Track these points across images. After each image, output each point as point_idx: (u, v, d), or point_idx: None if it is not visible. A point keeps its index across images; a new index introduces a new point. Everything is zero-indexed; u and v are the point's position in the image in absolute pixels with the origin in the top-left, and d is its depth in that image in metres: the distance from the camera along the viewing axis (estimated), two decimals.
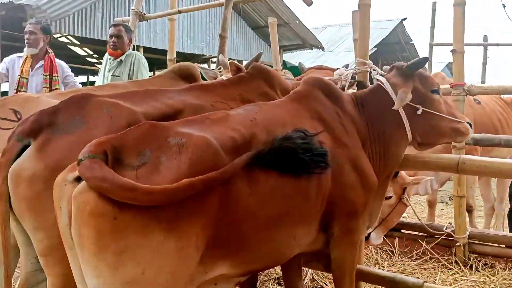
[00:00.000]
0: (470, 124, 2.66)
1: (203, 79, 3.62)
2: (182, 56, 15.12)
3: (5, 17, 11.34)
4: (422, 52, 12.31)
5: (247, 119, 2.08)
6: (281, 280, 3.60)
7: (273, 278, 3.67)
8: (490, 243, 3.76)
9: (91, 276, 1.54)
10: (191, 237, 1.63)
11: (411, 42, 16.58)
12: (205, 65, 15.86)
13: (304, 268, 3.34)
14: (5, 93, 5.92)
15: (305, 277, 3.57)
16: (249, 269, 2.09)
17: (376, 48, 14.70)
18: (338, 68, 3.32)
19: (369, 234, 3.24)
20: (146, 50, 13.43)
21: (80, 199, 1.52)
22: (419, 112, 2.60)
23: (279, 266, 3.06)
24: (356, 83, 2.95)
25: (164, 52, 8.58)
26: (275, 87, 2.94)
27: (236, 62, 3.32)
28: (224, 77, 3.40)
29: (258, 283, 3.45)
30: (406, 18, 15.93)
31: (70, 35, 14.59)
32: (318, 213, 2.20)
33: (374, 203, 2.68)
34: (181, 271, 1.64)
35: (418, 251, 4.01)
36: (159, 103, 2.39)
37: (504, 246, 3.71)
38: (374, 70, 2.84)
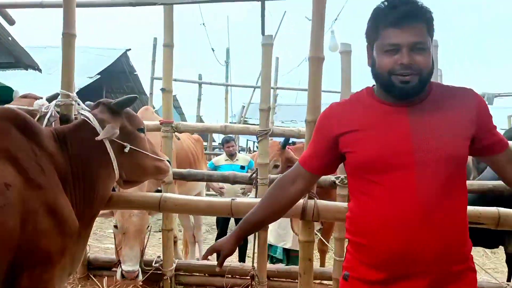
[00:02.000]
0: (169, 162, 2.78)
1: None
2: None
3: None
4: (146, 84, 12.68)
5: None
6: None
7: None
8: (195, 273, 3.97)
9: None
10: None
11: (135, 73, 16.90)
12: None
13: None
14: None
15: None
16: None
17: (99, 76, 14.41)
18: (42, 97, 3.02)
19: None
20: None
21: None
22: (126, 150, 2.55)
23: None
24: (59, 117, 2.72)
25: None
26: None
27: None
28: None
29: None
30: (130, 49, 16.17)
31: None
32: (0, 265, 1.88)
33: (77, 247, 2.48)
34: None
35: None
36: None
37: (208, 275, 3.96)
38: (79, 104, 2.68)
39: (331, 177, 3.36)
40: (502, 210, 2.21)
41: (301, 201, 2.41)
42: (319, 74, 2.53)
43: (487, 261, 6.64)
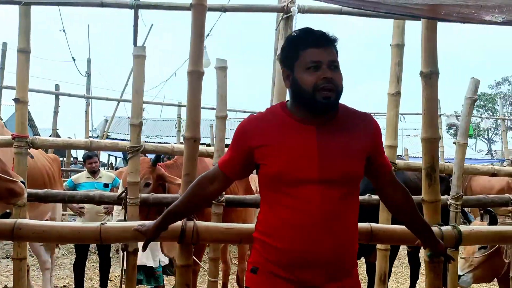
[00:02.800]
0: (24, 183, 2.43)
1: None
2: None
3: None
4: None
5: None
6: None
7: None
8: None
9: None
10: None
11: None
12: None
13: None
14: None
15: None
16: None
17: None
18: None
19: None
20: None
21: None
22: None
23: None
24: None
25: None
26: None
27: None
28: None
29: None
30: None
31: None
32: None
33: None
34: None
35: None
36: None
37: None
38: None
39: None
40: (374, 225, 2.30)
41: (179, 223, 2.27)
42: (198, 89, 2.42)
43: None
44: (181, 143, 9.46)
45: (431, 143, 2.40)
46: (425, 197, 2.41)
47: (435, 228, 2.33)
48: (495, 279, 3.73)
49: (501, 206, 3.55)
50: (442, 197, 3.41)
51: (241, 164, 1.86)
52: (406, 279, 6.73)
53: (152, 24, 9.78)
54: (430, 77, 2.37)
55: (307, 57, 1.69)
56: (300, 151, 1.71)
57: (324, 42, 1.71)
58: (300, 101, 1.75)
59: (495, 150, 30.46)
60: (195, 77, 2.40)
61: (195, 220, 2.29)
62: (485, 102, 41.26)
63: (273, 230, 1.76)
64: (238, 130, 1.86)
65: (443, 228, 2.31)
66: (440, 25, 2.40)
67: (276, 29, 3.22)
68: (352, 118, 1.82)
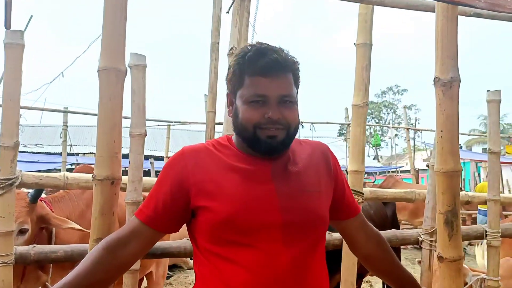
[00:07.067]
0: None
1: None
2: None
3: None
4: None
5: None
6: None
7: None
8: None
9: None
10: None
11: None
12: None
13: None
14: None
15: None
16: None
17: None
18: None
19: None
20: None
21: None
22: None
23: None
24: None
25: None
26: None
27: None
28: None
29: None
30: None
31: None
32: None
33: None
34: None
35: None
36: None
37: None
38: None
39: None
40: None
41: None
42: (117, 97, 1.50)
43: None
44: (73, 164, 8.04)
45: (451, 177, 1.74)
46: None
47: None
48: None
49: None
50: None
51: (172, 211, 1.35)
52: None
53: (32, 16, 8.29)
54: (450, 85, 1.72)
55: (252, 88, 1.35)
56: (256, 189, 1.34)
57: (277, 70, 1.35)
58: (241, 136, 1.40)
59: (381, 156, 32.63)
60: (112, 77, 1.49)
61: None
62: (372, 110, 44.10)
63: None
64: (171, 165, 1.40)
65: None
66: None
67: (227, 12, 2.38)
68: (307, 149, 1.50)
